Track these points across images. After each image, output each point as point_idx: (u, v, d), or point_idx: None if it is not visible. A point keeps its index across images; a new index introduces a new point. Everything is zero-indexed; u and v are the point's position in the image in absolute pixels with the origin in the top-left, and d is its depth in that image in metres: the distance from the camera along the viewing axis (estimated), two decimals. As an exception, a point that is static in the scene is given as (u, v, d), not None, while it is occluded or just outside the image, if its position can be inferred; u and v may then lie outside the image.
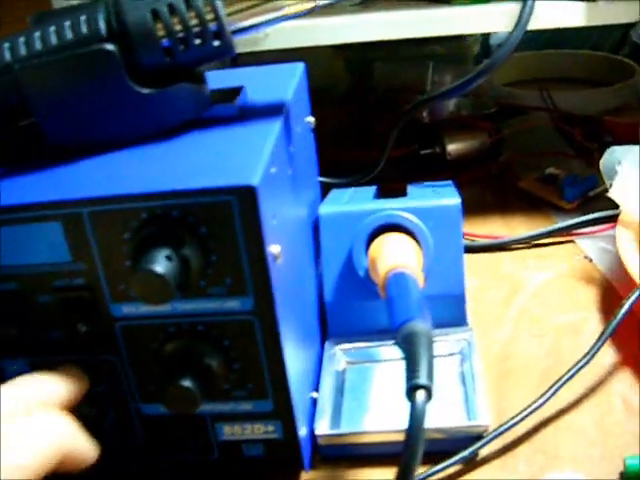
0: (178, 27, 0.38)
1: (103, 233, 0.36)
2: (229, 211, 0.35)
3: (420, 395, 0.31)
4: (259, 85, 0.47)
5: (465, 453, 0.42)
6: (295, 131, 0.46)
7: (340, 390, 0.48)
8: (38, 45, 0.38)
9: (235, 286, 0.37)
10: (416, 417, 0.31)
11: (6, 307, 0.38)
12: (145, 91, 0.39)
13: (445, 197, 0.51)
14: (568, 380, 0.45)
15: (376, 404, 0.46)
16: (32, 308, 0.38)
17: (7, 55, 0.38)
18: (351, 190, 0.57)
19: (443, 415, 0.44)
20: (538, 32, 0.65)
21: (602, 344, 0.46)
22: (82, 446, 0.35)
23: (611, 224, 0.59)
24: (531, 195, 0.69)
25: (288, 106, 0.44)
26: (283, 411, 0.40)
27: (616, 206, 0.56)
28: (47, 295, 0.38)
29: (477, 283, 0.58)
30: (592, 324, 0.52)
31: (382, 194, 0.57)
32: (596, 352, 0.46)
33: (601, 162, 0.56)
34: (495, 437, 0.43)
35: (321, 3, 0.40)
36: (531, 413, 0.43)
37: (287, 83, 0.48)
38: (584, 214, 0.62)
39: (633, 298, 0.47)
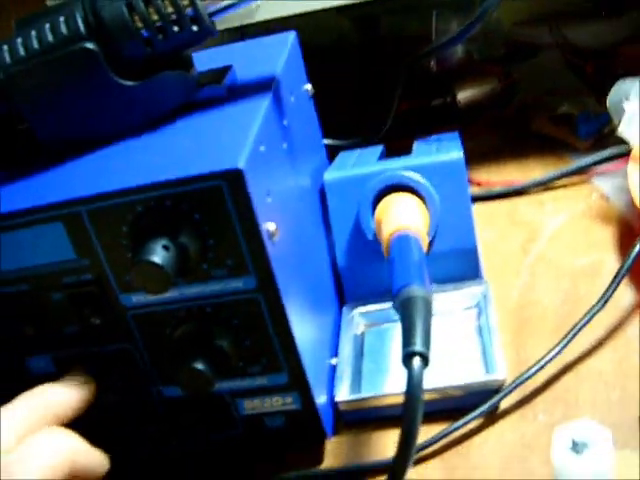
0: (154, 17, 0.39)
1: (103, 228, 0.37)
2: (220, 195, 0.35)
3: (416, 362, 0.32)
4: (248, 61, 0.47)
5: (484, 407, 0.42)
6: (289, 103, 0.46)
7: (359, 354, 0.48)
8: (21, 51, 0.39)
9: (236, 266, 0.37)
10: (413, 384, 0.31)
11: (20, 308, 0.39)
12: (129, 83, 0.39)
13: (448, 151, 0.50)
14: (584, 326, 0.44)
15: (396, 365, 0.47)
16: (45, 306, 0.39)
17: (-7, 64, 0.39)
18: (358, 152, 0.57)
19: (461, 370, 0.45)
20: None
21: (617, 285, 0.45)
22: (92, 458, 0.36)
23: (627, 160, 0.58)
24: (545, 136, 0.68)
25: (278, 80, 0.44)
26: (298, 382, 0.41)
27: (631, 141, 0.55)
28: (58, 292, 0.39)
29: (494, 233, 0.58)
30: (609, 265, 0.52)
31: (388, 153, 0.56)
32: (611, 294, 0.45)
33: (608, 99, 0.54)
34: (513, 389, 0.43)
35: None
36: (548, 362, 0.43)
37: (277, 56, 0.48)
38: (599, 152, 0.61)
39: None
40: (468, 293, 0.50)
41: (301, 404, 0.42)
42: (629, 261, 0.46)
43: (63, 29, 0.39)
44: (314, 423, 0.42)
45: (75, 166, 0.39)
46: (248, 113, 0.40)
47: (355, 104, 0.69)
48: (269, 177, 0.39)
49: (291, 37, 0.51)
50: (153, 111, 0.41)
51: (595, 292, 0.49)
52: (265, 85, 0.43)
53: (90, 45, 0.38)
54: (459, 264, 0.50)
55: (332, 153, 0.59)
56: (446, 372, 0.45)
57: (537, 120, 0.69)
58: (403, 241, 0.41)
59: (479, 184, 0.63)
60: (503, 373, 0.43)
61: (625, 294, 0.49)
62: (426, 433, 0.42)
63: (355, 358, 0.48)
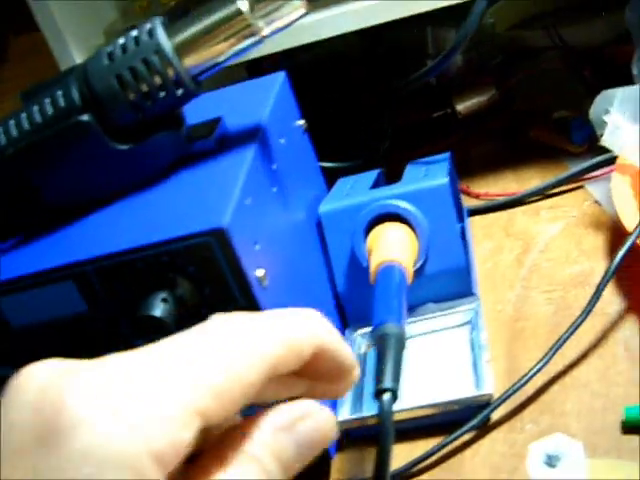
0: (142, 86, 0.42)
1: (109, 285, 0.41)
2: (210, 250, 0.39)
3: (386, 396, 0.35)
4: (237, 107, 0.50)
5: (473, 422, 0.45)
6: (278, 146, 0.49)
7: (362, 373, 0.51)
8: (26, 125, 0.43)
9: (233, 311, 0.41)
10: (383, 417, 0.34)
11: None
12: (124, 147, 0.43)
13: (434, 177, 0.53)
14: (568, 338, 0.47)
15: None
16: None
17: (2, 139, 0.43)
18: (354, 178, 0.60)
19: (453, 386, 0.47)
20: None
21: (598, 296, 0.47)
22: (341, 346, 0.29)
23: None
24: (542, 143, 0.70)
25: (264, 127, 0.47)
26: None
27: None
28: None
29: (491, 245, 0.60)
30: (599, 272, 0.54)
31: (384, 177, 0.59)
32: (593, 306, 0.47)
33: (590, 111, 0.56)
34: (502, 402, 0.45)
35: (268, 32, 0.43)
36: (535, 374, 0.46)
37: (265, 100, 0.51)
38: (591, 158, 0.62)
39: (626, 247, 0.48)
40: (461, 310, 0.53)
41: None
42: (610, 273, 0.48)
43: (61, 102, 0.43)
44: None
45: (80, 228, 0.43)
46: (234, 166, 0.43)
47: (354, 125, 0.71)
48: (256, 227, 0.42)
49: (280, 77, 0.54)
50: (148, 170, 0.45)
51: (584, 300, 0.51)
52: (251, 134, 0.46)
53: (85, 117, 0.42)
54: (451, 283, 0.53)
55: (334, 175, 0.62)
56: (438, 388, 0.48)
57: (535, 127, 0.71)
58: (387, 275, 0.45)
59: (478, 196, 0.66)
60: (490, 388, 0.46)
61: (611, 301, 0.51)
62: (420, 448, 0.46)
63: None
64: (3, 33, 1.01)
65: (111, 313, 0.42)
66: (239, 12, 0.42)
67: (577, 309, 0.51)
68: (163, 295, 0.39)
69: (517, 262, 0.58)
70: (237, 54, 0.44)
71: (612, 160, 0.60)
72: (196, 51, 0.43)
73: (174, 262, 0.40)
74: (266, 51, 0.59)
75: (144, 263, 0.40)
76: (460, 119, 0.74)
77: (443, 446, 0.45)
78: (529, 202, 0.64)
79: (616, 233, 0.57)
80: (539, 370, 0.46)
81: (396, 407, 0.47)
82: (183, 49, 0.43)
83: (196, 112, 0.48)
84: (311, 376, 0.28)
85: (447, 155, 0.58)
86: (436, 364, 0.50)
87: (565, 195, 0.63)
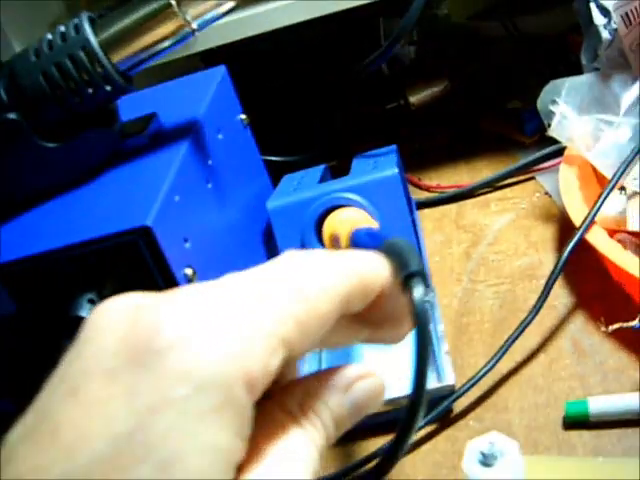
0: (69, 83, 0.41)
1: (37, 285, 0.40)
2: (137, 248, 0.38)
3: (416, 281, 0.27)
4: (175, 103, 0.49)
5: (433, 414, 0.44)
6: (215, 142, 0.48)
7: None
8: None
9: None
10: (418, 306, 0.26)
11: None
12: (53, 145, 0.42)
13: (384, 169, 0.52)
14: (517, 338, 0.46)
15: None
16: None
17: None
18: (300, 174, 0.59)
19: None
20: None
21: (547, 295, 0.47)
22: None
23: (567, 156, 0.59)
24: (495, 134, 0.69)
25: (199, 123, 0.46)
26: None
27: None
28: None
29: (440, 238, 0.60)
30: (547, 265, 0.53)
31: (330, 173, 0.58)
32: (542, 304, 0.46)
33: (538, 101, 0.55)
34: (461, 395, 0.45)
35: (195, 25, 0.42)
36: (487, 373, 0.45)
37: (203, 95, 0.50)
38: (542, 149, 0.62)
39: (573, 243, 0.47)
40: (416, 302, 0.52)
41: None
42: (557, 270, 0.47)
43: (-12, 100, 0.42)
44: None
45: (8, 227, 0.42)
46: (165, 162, 0.42)
47: (305, 119, 0.70)
48: (186, 224, 0.41)
49: (220, 72, 0.53)
50: (79, 168, 0.43)
51: (531, 293, 0.51)
52: (185, 130, 0.45)
53: (12, 115, 0.41)
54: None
55: (284, 170, 0.61)
56: (398, 383, 0.46)
57: (486, 118, 0.71)
58: (364, 230, 0.43)
59: (429, 189, 0.65)
60: (452, 379, 0.45)
61: (558, 295, 0.50)
62: (372, 446, 0.45)
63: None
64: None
65: (39, 314, 0.41)
66: (167, 6, 0.41)
67: (523, 303, 0.51)
68: (90, 296, 0.38)
69: (465, 255, 0.57)
70: (167, 48, 0.43)
71: (562, 151, 0.60)
72: (124, 46, 0.42)
73: (101, 262, 0.39)
74: (218, 42, 0.59)
75: (71, 263, 0.39)
76: (413, 111, 0.73)
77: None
78: (480, 194, 0.63)
79: (565, 225, 0.56)
80: (489, 370, 0.45)
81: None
82: (110, 44, 0.42)
83: (135, 108, 0.47)
84: (372, 319, 0.29)
85: (393, 147, 0.57)
86: (393, 359, 0.49)
87: (515, 187, 0.63)
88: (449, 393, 0.45)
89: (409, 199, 0.58)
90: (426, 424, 0.45)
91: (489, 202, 0.62)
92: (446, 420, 0.45)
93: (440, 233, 0.60)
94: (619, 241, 0.50)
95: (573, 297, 0.51)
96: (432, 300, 0.52)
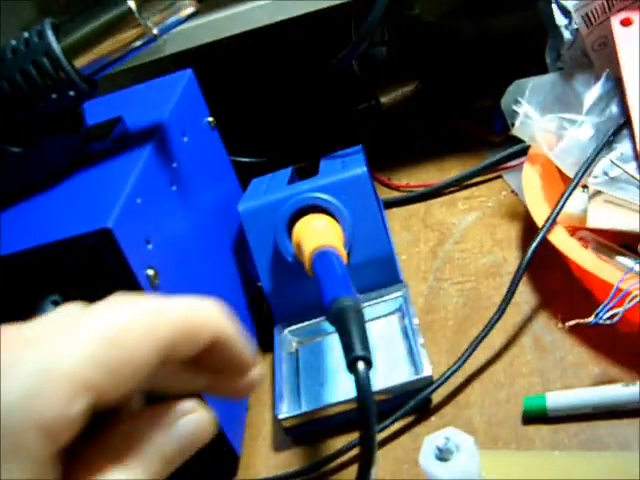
0: (33, 88, 0.41)
1: (3, 287, 0.40)
2: (98, 251, 0.38)
3: (361, 365, 0.33)
4: (140, 106, 0.50)
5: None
6: (180, 144, 0.49)
7: (295, 371, 0.51)
8: None
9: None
10: (362, 386, 0.32)
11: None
12: (16, 150, 0.42)
13: (353, 168, 0.53)
14: (483, 339, 0.46)
15: (332, 376, 0.50)
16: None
17: None
18: (268, 177, 0.59)
19: (393, 373, 0.48)
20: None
21: (511, 295, 0.47)
22: (239, 339, 0.28)
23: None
24: (464, 133, 0.70)
25: (165, 125, 0.47)
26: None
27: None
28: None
29: (408, 237, 0.60)
30: (511, 263, 0.54)
31: (297, 175, 0.59)
32: (507, 304, 0.47)
33: (502, 100, 0.56)
34: (433, 390, 0.45)
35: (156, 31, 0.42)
36: (454, 373, 0.46)
37: (168, 98, 0.50)
38: (508, 148, 0.63)
39: (536, 242, 0.48)
40: (390, 298, 0.53)
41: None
42: (521, 270, 0.48)
43: (-50, 106, 0.42)
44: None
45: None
46: (128, 165, 0.43)
47: (276, 119, 0.71)
48: (148, 226, 0.41)
49: (186, 75, 0.54)
50: (43, 172, 0.44)
51: (495, 291, 0.52)
52: (149, 133, 0.46)
53: (-27, 119, 0.41)
54: (378, 271, 0.53)
55: (251, 170, 0.62)
56: (378, 376, 0.47)
57: (454, 117, 0.71)
58: (324, 257, 0.44)
59: (398, 188, 0.66)
60: (429, 370, 0.46)
61: (521, 291, 0.51)
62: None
63: (292, 375, 0.51)
64: None
65: (3, 316, 0.41)
66: (128, 12, 0.42)
67: (487, 300, 0.52)
68: (54, 297, 0.39)
69: (432, 254, 0.58)
70: (130, 53, 0.43)
71: (528, 150, 0.61)
72: (87, 52, 0.42)
73: (64, 264, 0.39)
74: (187, 45, 0.59)
75: (34, 266, 0.39)
76: (384, 110, 0.73)
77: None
78: (447, 193, 0.64)
79: (530, 223, 0.57)
80: (456, 371, 0.46)
81: (335, 399, 0.47)
82: (73, 50, 0.42)
83: (102, 112, 0.48)
84: (210, 369, 0.28)
85: (359, 147, 0.58)
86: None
87: (483, 185, 0.64)
88: (427, 384, 0.46)
89: (377, 199, 0.59)
90: (402, 416, 0.45)
91: (456, 201, 0.63)
92: (410, 415, 0.46)
93: (408, 232, 0.61)
94: (581, 239, 0.51)
95: (536, 294, 0.51)
96: (405, 295, 0.52)
